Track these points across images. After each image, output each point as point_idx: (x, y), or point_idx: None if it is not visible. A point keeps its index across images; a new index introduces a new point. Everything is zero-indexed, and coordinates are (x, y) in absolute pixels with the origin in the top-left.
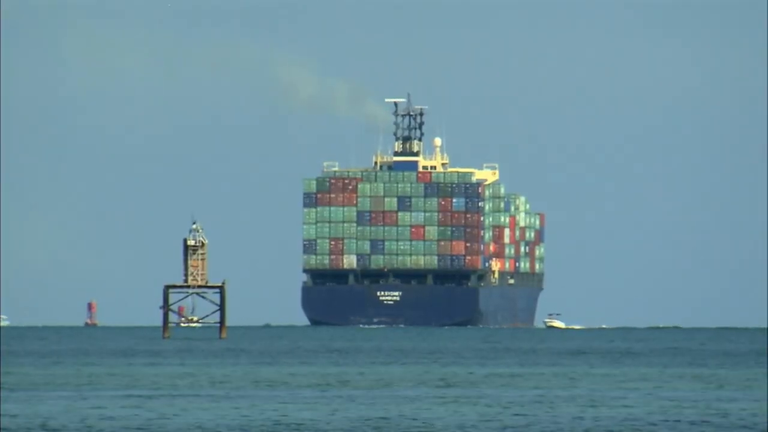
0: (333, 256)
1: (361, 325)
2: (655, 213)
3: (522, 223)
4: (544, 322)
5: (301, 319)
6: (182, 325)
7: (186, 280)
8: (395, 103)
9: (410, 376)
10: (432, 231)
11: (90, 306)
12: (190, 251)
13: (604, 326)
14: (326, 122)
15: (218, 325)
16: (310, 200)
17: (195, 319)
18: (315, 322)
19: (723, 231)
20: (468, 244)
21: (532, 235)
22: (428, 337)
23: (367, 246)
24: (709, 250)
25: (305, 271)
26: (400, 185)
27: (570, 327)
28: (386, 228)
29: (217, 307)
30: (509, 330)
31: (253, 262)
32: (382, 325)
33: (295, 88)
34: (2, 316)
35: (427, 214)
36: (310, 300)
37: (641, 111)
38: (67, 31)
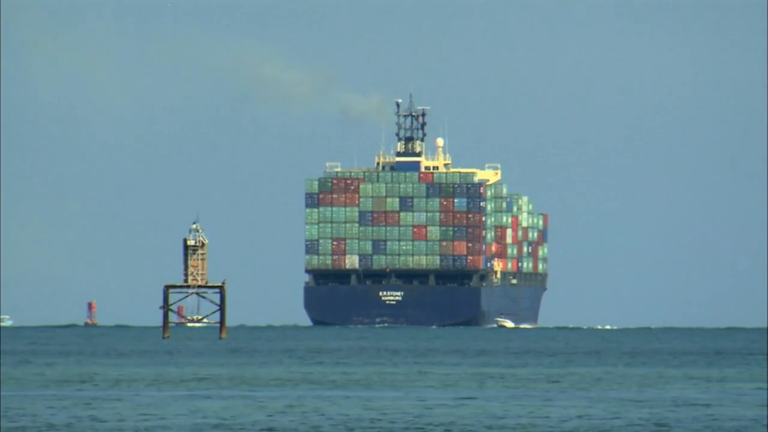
0: (335, 257)
1: (363, 325)
2: (658, 213)
3: (525, 224)
4: (496, 322)
5: (304, 320)
6: (188, 324)
7: (186, 280)
8: (397, 104)
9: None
10: (434, 231)
11: (90, 306)
12: (190, 251)
13: (553, 326)
14: (328, 122)
15: (218, 325)
16: (313, 200)
17: (200, 318)
18: (317, 322)
19: (725, 231)
20: (470, 244)
21: (535, 235)
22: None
23: (369, 246)
24: (712, 250)
25: (307, 271)
26: (402, 185)
27: (518, 327)
28: (388, 228)
29: (217, 307)
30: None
31: (256, 263)
32: (385, 325)
33: (297, 88)
34: (5, 316)
35: (428, 215)
36: (312, 300)
37: (643, 111)
38: (64, 32)
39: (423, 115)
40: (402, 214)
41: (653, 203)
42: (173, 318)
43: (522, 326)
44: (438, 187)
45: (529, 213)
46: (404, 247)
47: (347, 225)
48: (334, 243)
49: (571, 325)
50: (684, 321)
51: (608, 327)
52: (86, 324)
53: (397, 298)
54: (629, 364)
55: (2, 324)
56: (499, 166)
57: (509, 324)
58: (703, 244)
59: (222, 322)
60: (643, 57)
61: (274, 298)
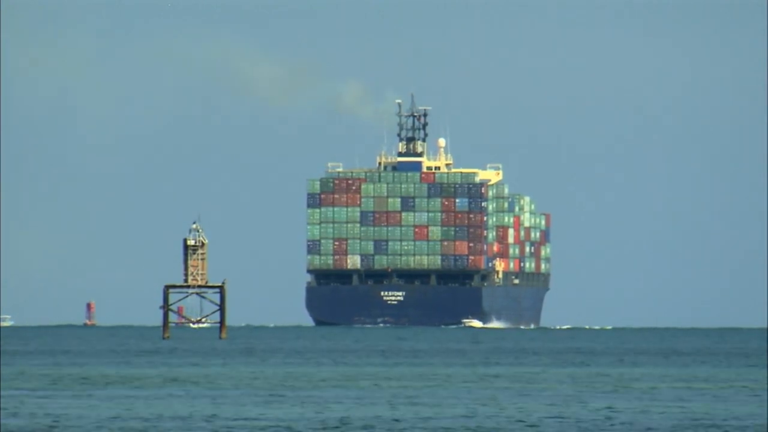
0: (337, 257)
1: (365, 325)
2: (660, 213)
3: (527, 224)
4: (463, 322)
5: (306, 320)
6: (192, 325)
7: (186, 280)
8: (399, 104)
9: None
10: (435, 231)
11: (89, 306)
12: (190, 251)
13: (522, 327)
14: (331, 122)
15: (218, 324)
16: (314, 201)
17: (204, 319)
18: (319, 322)
19: (726, 231)
20: (471, 244)
21: (538, 235)
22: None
23: (370, 246)
24: (714, 249)
25: (309, 271)
26: (403, 186)
27: (487, 326)
28: (390, 228)
29: (217, 307)
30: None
31: (258, 263)
32: (389, 325)
33: (300, 88)
34: (6, 316)
35: (430, 215)
36: (314, 300)
37: (645, 111)
38: (61, 32)
39: (424, 115)
40: (403, 214)
41: (655, 203)
42: (173, 318)
43: (491, 326)
44: (439, 187)
45: (531, 213)
46: (406, 247)
47: (349, 225)
48: (336, 243)
49: (569, 326)
50: (686, 321)
51: (594, 327)
52: (85, 324)
53: (398, 298)
54: (548, 364)
55: (4, 324)
56: (500, 166)
57: (476, 324)
58: (706, 243)
59: (222, 322)
60: (644, 57)
61: (276, 298)
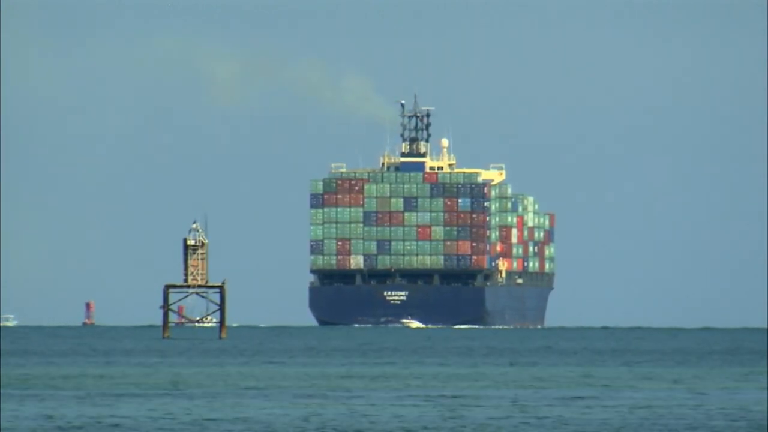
0: (340, 257)
1: (369, 325)
2: (664, 212)
3: (530, 223)
4: (402, 323)
5: (309, 320)
6: (197, 325)
7: (186, 280)
8: (402, 104)
9: None
10: (438, 231)
11: (88, 306)
12: (190, 251)
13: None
14: (333, 122)
15: (218, 324)
16: (317, 201)
17: (209, 318)
18: (322, 322)
19: (730, 230)
20: (474, 244)
21: (541, 235)
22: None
23: (373, 246)
24: (718, 249)
25: (312, 271)
26: (406, 186)
27: (427, 326)
28: (393, 228)
29: (218, 307)
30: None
31: (261, 263)
32: (398, 325)
33: (302, 88)
34: (9, 316)
35: (433, 215)
36: (317, 300)
37: (648, 111)
38: (60, 30)
39: (427, 115)
40: (406, 214)
41: (659, 202)
42: (173, 318)
43: (439, 326)
44: (442, 187)
45: (534, 213)
46: (408, 247)
47: (352, 225)
48: (339, 243)
49: (570, 326)
50: (687, 321)
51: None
52: (84, 324)
53: (401, 298)
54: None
55: (7, 324)
56: (503, 166)
57: (415, 324)
58: (709, 243)
59: (222, 322)
60: (647, 57)
61: (279, 298)
